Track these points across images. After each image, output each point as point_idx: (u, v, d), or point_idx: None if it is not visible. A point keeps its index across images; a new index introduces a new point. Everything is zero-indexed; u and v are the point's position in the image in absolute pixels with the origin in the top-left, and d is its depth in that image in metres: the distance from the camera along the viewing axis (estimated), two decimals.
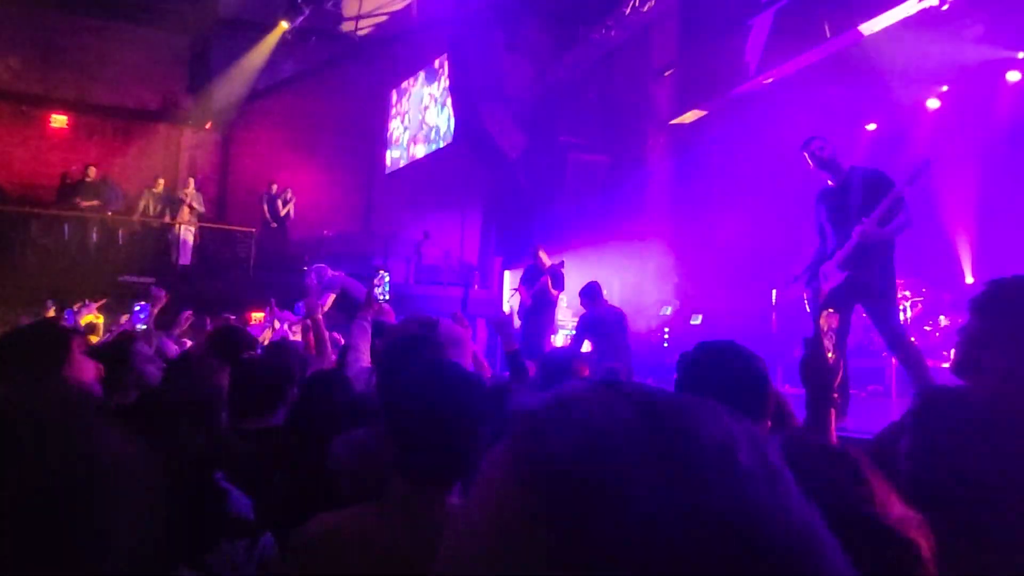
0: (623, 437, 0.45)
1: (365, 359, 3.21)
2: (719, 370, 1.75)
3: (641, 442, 0.44)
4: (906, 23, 7.58)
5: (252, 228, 13.86)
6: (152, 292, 5.70)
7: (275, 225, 13.79)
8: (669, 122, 10.79)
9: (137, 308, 5.27)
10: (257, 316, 9.70)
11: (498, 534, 0.45)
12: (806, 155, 4.87)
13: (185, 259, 12.93)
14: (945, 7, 7.07)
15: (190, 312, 5.70)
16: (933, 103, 8.63)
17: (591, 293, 7.71)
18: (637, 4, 9.71)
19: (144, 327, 5.31)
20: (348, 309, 4.45)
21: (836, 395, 1.98)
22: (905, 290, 6.91)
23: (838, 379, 1.93)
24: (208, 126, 15.21)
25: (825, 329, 1.98)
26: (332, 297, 6.14)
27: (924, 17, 7.40)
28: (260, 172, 14.62)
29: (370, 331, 3.38)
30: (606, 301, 8.02)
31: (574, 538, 0.42)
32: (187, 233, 13.08)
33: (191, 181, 13.70)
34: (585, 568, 0.41)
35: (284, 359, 3.08)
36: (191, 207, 13.18)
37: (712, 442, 0.45)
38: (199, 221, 13.48)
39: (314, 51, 14.96)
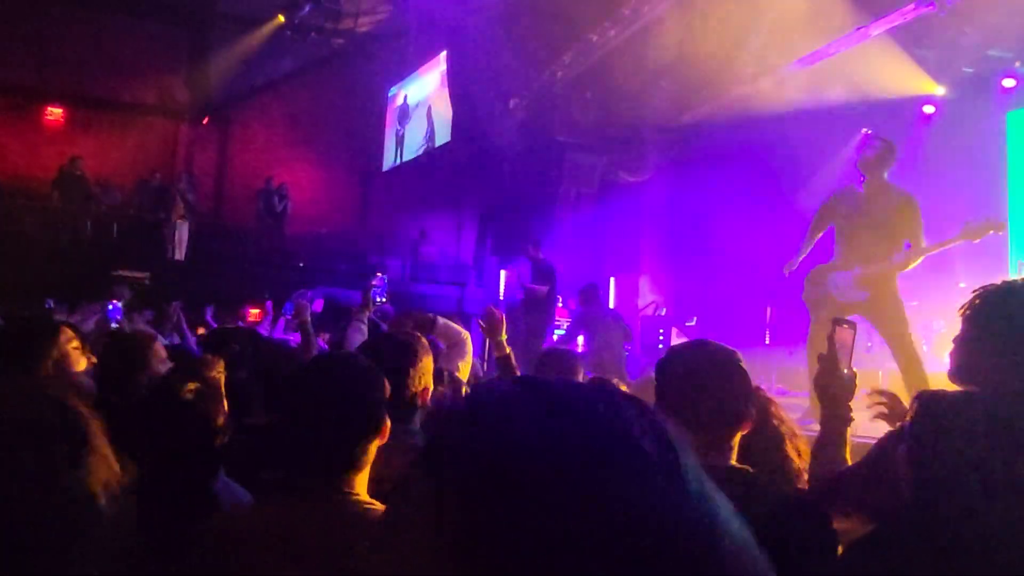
0: (529, 436, 0.46)
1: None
2: (693, 373, 1.75)
3: (546, 439, 0.46)
4: (902, 29, 7.62)
5: (248, 224, 13.85)
6: (172, 308, 5.68)
7: (271, 221, 13.77)
8: (669, 122, 10.82)
9: (111, 307, 5.19)
10: (253, 312, 9.69)
11: (413, 529, 0.47)
12: (860, 151, 4.79)
13: (180, 254, 12.90)
14: (943, 12, 7.11)
15: (178, 303, 5.67)
16: (927, 107, 8.67)
17: (589, 293, 7.76)
18: (636, 5, 9.71)
19: (116, 325, 5.23)
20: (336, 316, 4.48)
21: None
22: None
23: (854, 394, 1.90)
24: (205, 121, 15.19)
25: (839, 345, 1.93)
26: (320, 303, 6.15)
27: (922, 22, 7.43)
28: (257, 168, 14.59)
29: (366, 331, 3.40)
30: (602, 302, 8.06)
31: (483, 534, 0.43)
32: (182, 228, 13.05)
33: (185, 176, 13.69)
34: (493, 562, 0.43)
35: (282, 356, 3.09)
36: (185, 201, 13.15)
37: (614, 440, 0.46)
38: (195, 216, 13.45)
39: (313, 47, 14.95)
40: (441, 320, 3.32)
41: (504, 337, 3.16)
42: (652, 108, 11.17)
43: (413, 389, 2.21)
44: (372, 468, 1.52)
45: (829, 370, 1.88)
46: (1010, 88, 7.89)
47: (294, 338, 4.86)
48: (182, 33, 14.71)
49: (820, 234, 5.02)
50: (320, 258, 13.66)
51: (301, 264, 13.46)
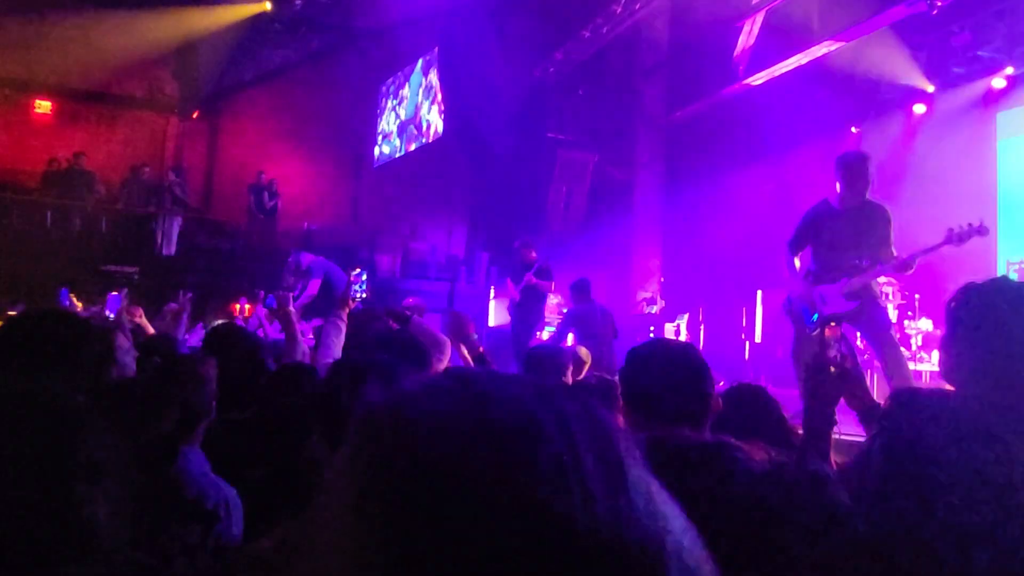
0: (454, 430, 0.45)
1: (334, 355, 3.21)
2: (657, 371, 1.77)
3: (472, 434, 0.44)
4: (894, 28, 7.64)
5: (239, 219, 13.78)
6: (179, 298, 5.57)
7: (262, 216, 13.71)
8: (661, 119, 10.83)
9: (112, 297, 5.14)
10: (242, 307, 9.65)
11: (333, 524, 0.46)
12: (847, 167, 4.79)
13: (170, 249, 12.83)
14: (934, 11, 7.13)
15: (175, 305, 5.61)
16: (918, 108, 8.70)
17: (581, 289, 7.77)
18: (628, 3, 9.71)
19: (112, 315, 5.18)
20: (326, 300, 4.44)
21: (866, 399, 2.00)
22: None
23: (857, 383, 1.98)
24: (195, 115, 15.10)
25: (831, 342, 2.00)
26: (318, 283, 6.09)
27: (911, 22, 7.46)
28: (247, 162, 14.51)
29: (344, 328, 3.39)
30: (594, 298, 8.07)
31: (407, 526, 0.42)
32: (172, 223, 12.98)
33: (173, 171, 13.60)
34: (416, 556, 0.42)
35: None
36: (176, 196, 13.08)
37: (539, 443, 0.45)
38: (185, 211, 13.38)
39: (304, 41, 14.88)
40: (416, 319, 3.32)
41: (475, 336, 3.17)
42: (643, 105, 11.19)
43: None
44: None
45: (819, 369, 1.93)
46: (1000, 89, 7.93)
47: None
48: (171, 26, 14.60)
49: (802, 249, 5.08)
50: (309, 252, 13.61)
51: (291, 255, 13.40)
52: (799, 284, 5.01)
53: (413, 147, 14.03)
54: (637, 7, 9.65)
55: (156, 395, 2.02)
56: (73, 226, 12.61)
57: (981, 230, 4.34)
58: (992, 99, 8.02)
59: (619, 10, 9.89)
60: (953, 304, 1.74)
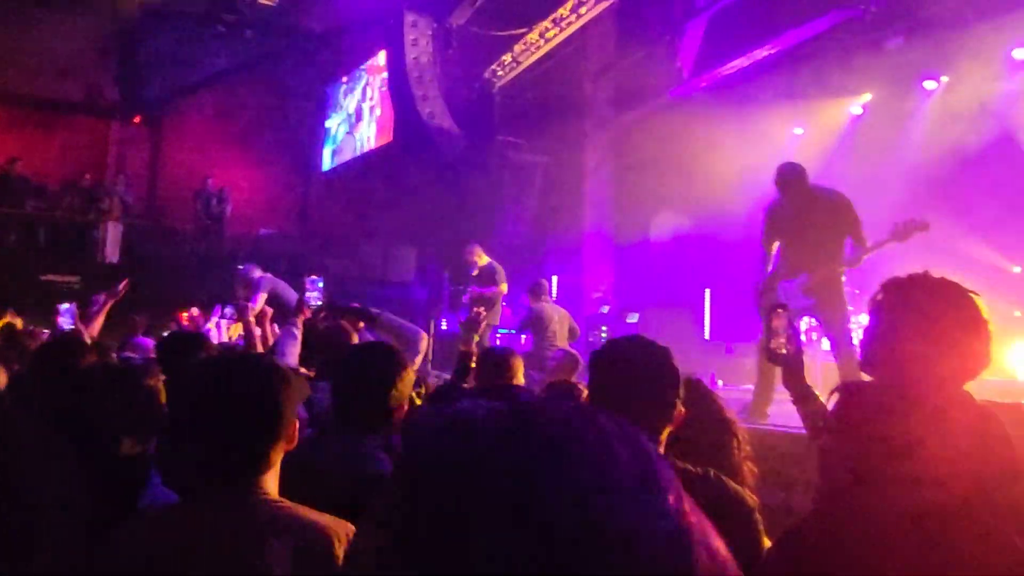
0: (503, 451, 0.47)
1: (290, 363, 3.19)
2: (627, 368, 1.79)
3: (519, 454, 0.47)
4: (833, 31, 7.88)
5: (185, 225, 13.49)
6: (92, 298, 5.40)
7: (209, 223, 13.45)
8: (609, 120, 10.96)
9: (62, 310, 4.99)
10: (188, 315, 9.46)
11: (379, 538, 0.48)
12: (780, 181, 5.00)
13: (113, 257, 12.49)
14: (869, 16, 7.38)
15: (102, 295, 5.43)
16: (856, 109, 8.98)
17: (536, 290, 7.82)
18: (575, 5, 9.81)
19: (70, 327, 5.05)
20: (280, 312, 4.38)
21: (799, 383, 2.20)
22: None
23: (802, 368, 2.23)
24: (137, 120, 14.73)
25: (779, 329, 2.17)
26: (263, 297, 5.98)
27: (850, 26, 7.70)
28: (193, 168, 14.22)
29: (299, 335, 3.37)
30: (549, 299, 8.13)
31: (451, 549, 0.44)
32: (115, 230, 12.63)
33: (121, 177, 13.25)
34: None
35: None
36: (123, 202, 12.74)
37: (583, 463, 0.47)
38: (128, 217, 13.04)
39: (250, 45, 14.63)
40: (386, 316, 3.32)
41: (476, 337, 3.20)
42: (592, 107, 11.31)
43: (391, 405, 2.17)
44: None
45: (769, 349, 2.25)
46: (931, 90, 8.24)
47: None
48: (110, 29, 14.22)
49: (774, 246, 5.18)
50: (260, 260, 13.38)
51: (240, 266, 13.17)
52: (765, 280, 5.13)
53: (363, 151, 13.93)
54: (584, 10, 9.76)
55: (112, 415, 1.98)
56: (8, 235, 12.18)
57: (922, 225, 4.50)
58: (924, 99, 8.34)
59: (566, 12, 9.98)
60: (875, 297, 1.82)
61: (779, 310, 2.31)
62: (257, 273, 6.72)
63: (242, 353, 2.73)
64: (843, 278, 5.02)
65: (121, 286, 4.76)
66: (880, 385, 1.68)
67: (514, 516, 0.44)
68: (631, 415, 1.71)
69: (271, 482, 1.47)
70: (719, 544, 0.49)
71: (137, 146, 14.94)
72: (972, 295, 1.72)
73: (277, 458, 1.48)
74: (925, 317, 1.69)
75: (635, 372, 1.78)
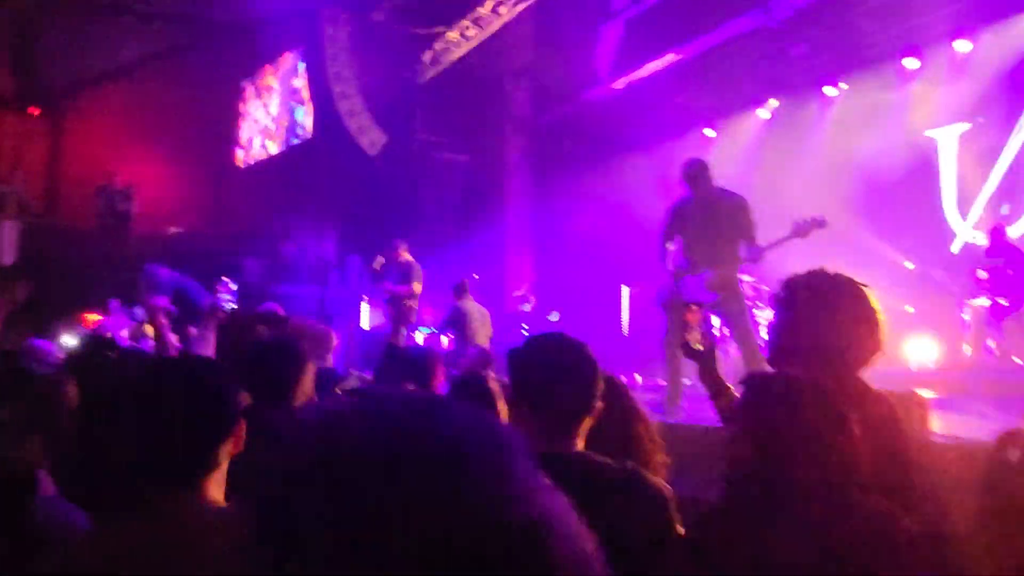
0: (356, 438, 0.49)
1: None
2: (548, 363, 1.83)
3: (372, 442, 0.48)
4: (742, 39, 8.18)
5: (87, 224, 12.84)
6: None
7: (113, 221, 12.84)
8: (529, 121, 11.05)
9: None
10: (92, 319, 9.04)
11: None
12: (687, 175, 5.22)
13: (9, 258, 11.79)
14: (775, 25, 7.70)
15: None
16: (764, 113, 9.36)
17: (460, 290, 7.83)
18: (495, 4, 9.85)
19: None
20: (187, 314, 4.24)
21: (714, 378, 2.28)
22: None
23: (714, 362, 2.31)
24: (35, 112, 13.94)
25: (693, 325, 2.26)
26: (162, 300, 5.76)
27: (758, 34, 8.01)
28: (97, 163, 13.52)
29: (212, 339, 3.31)
30: (472, 298, 8.14)
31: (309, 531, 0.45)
32: (9, 229, 11.92)
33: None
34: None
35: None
36: (21, 200, 12.02)
37: (435, 453, 0.48)
38: (26, 215, 12.32)
39: (160, 36, 14.05)
40: (293, 319, 3.30)
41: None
42: (512, 107, 11.38)
43: (296, 403, 2.15)
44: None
45: (684, 345, 2.34)
46: (832, 97, 8.66)
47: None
48: (4, 15, 13.41)
49: (672, 243, 5.36)
50: (170, 260, 12.89)
51: (147, 266, 12.65)
52: (668, 276, 5.29)
53: (281, 148, 13.60)
54: (503, 10, 9.82)
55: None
56: None
57: (821, 223, 4.76)
58: (825, 105, 8.76)
59: (486, 12, 10.01)
60: (778, 293, 1.93)
61: (693, 306, 2.41)
62: (162, 272, 6.48)
63: (182, 355, 2.64)
64: (739, 276, 5.28)
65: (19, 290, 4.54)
66: (783, 376, 1.78)
67: (359, 503, 0.45)
68: (552, 410, 1.76)
69: (217, 486, 1.41)
70: (586, 540, 0.50)
71: (34, 140, 14.13)
72: (863, 287, 1.85)
73: (224, 460, 1.41)
74: (823, 310, 1.80)
75: (555, 368, 1.81)
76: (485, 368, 5.33)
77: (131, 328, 8.33)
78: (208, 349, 3.29)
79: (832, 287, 1.84)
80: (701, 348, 2.33)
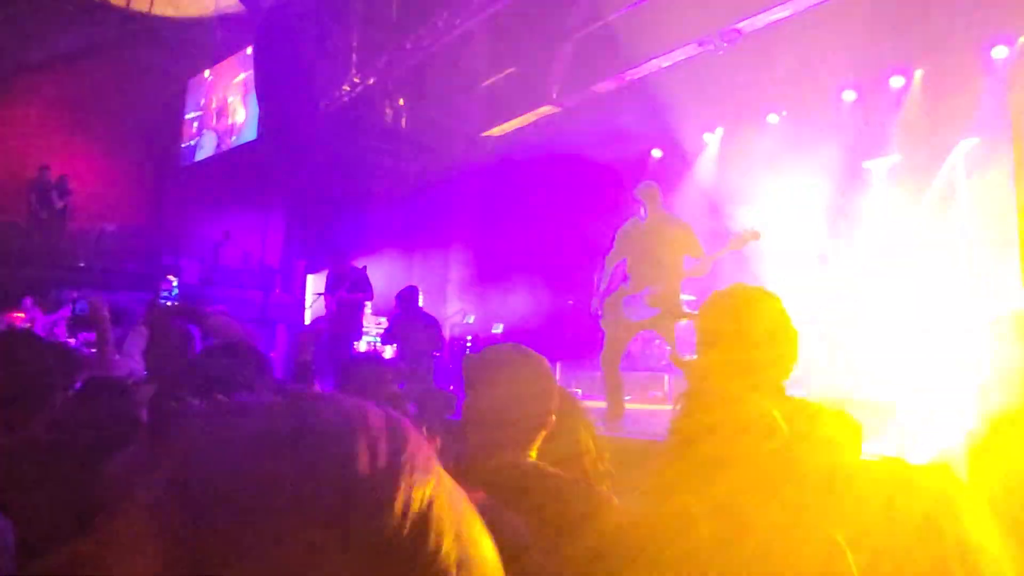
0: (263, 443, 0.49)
1: (136, 364, 3.10)
2: (505, 378, 1.84)
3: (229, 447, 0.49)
4: (690, 63, 8.39)
5: (16, 218, 12.36)
6: None
7: (46, 216, 12.39)
8: (479, 134, 11.10)
9: None
10: (18, 316, 8.69)
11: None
12: (641, 194, 5.43)
13: None
14: (721, 52, 7.93)
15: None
16: (710, 136, 9.62)
17: (407, 298, 7.76)
18: (449, 17, 9.88)
19: None
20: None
21: None
22: None
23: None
24: None
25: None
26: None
27: (705, 60, 8.23)
28: (27, 155, 13.04)
29: (146, 334, 3.29)
30: (420, 308, 8.11)
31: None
32: None
33: None
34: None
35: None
36: None
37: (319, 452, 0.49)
38: None
39: (99, 27, 13.63)
40: (214, 316, 3.26)
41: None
42: (464, 119, 11.41)
43: None
44: None
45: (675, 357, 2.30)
46: (774, 123, 8.96)
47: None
48: None
49: (614, 265, 5.55)
50: (105, 257, 12.51)
51: (82, 264, 12.25)
52: (608, 294, 5.44)
53: (226, 148, 13.33)
54: (458, 22, 9.84)
55: None
56: None
57: (756, 235, 5.02)
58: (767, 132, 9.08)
59: (440, 24, 10.02)
60: (702, 314, 2.01)
61: (681, 322, 2.48)
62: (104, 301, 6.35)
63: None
64: (680, 294, 5.45)
65: None
66: (706, 389, 1.83)
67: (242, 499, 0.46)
68: (508, 421, 1.77)
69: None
70: (482, 547, 0.50)
71: None
72: (776, 299, 1.93)
73: None
74: (739, 324, 1.88)
75: (512, 381, 1.82)
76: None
77: (45, 326, 8.05)
78: (141, 342, 3.25)
79: (749, 302, 1.94)
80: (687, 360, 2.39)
